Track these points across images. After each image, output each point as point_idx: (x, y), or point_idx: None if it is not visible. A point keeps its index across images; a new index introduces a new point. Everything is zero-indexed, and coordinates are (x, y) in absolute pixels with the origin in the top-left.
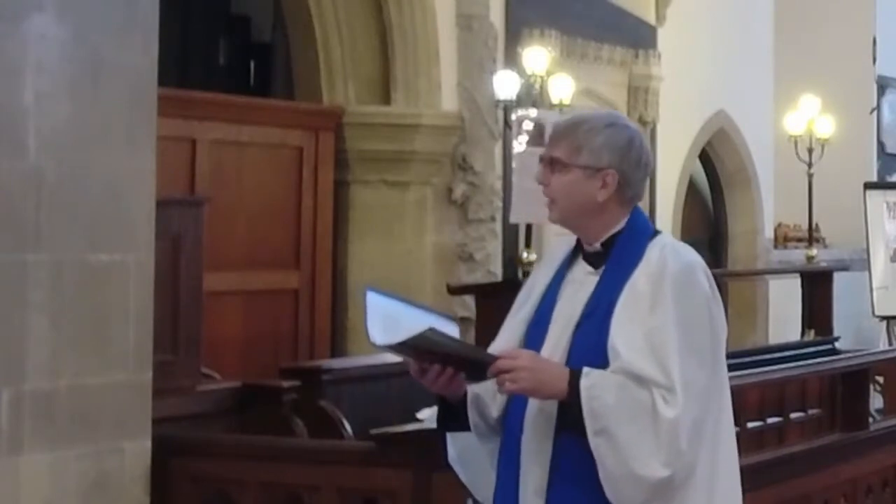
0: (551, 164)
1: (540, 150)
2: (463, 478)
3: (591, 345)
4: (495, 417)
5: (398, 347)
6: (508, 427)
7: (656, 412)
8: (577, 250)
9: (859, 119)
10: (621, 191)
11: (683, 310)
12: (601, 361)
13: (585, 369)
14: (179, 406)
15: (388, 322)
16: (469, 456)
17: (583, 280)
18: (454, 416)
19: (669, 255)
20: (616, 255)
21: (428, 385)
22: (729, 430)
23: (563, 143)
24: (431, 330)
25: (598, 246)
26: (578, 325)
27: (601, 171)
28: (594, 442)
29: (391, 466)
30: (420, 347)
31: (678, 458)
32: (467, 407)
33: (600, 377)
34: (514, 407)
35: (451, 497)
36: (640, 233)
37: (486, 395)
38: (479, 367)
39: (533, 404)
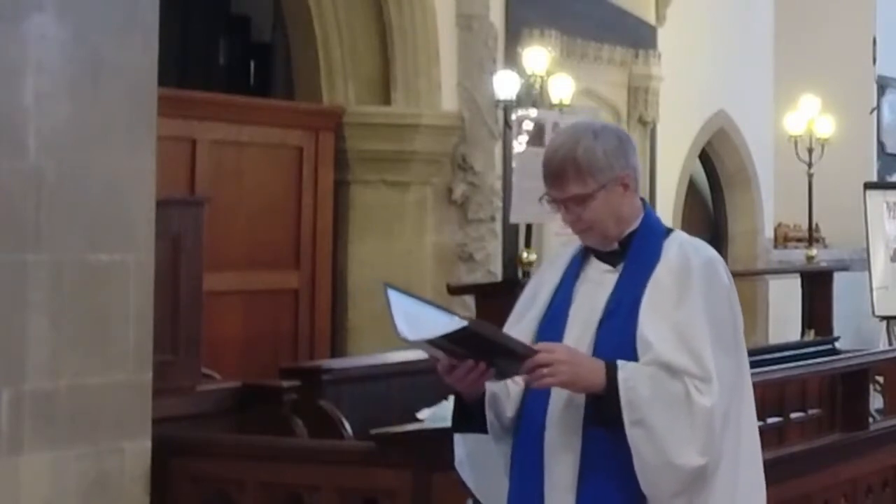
0: (569, 202)
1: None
2: (469, 481)
3: (616, 341)
4: (509, 417)
5: (436, 343)
6: (526, 425)
7: (691, 402)
8: (587, 250)
9: (859, 119)
10: (635, 183)
11: (709, 303)
12: (628, 356)
13: (620, 362)
14: (179, 406)
15: (409, 319)
16: (478, 458)
17: (600, 279)
18: (469, 416)
19: (690, 251)
20: (634, 253)
21: (454, 382)
22: (751, 420)
23: (571, 179)
24: (475, 322)
25: (615, 245)
26: (601, 322)
27: (617, 178)
28: (631, 433)
29: (391, 466)
30: (459, 342)
31: (713, 447)
32: (485, 407)
33: (634, 369)
34: (533, 404)
35: (451, 497)
36: (655, 230)
37: (502, 395)
38: (514, 361)
39: (559, 399)
